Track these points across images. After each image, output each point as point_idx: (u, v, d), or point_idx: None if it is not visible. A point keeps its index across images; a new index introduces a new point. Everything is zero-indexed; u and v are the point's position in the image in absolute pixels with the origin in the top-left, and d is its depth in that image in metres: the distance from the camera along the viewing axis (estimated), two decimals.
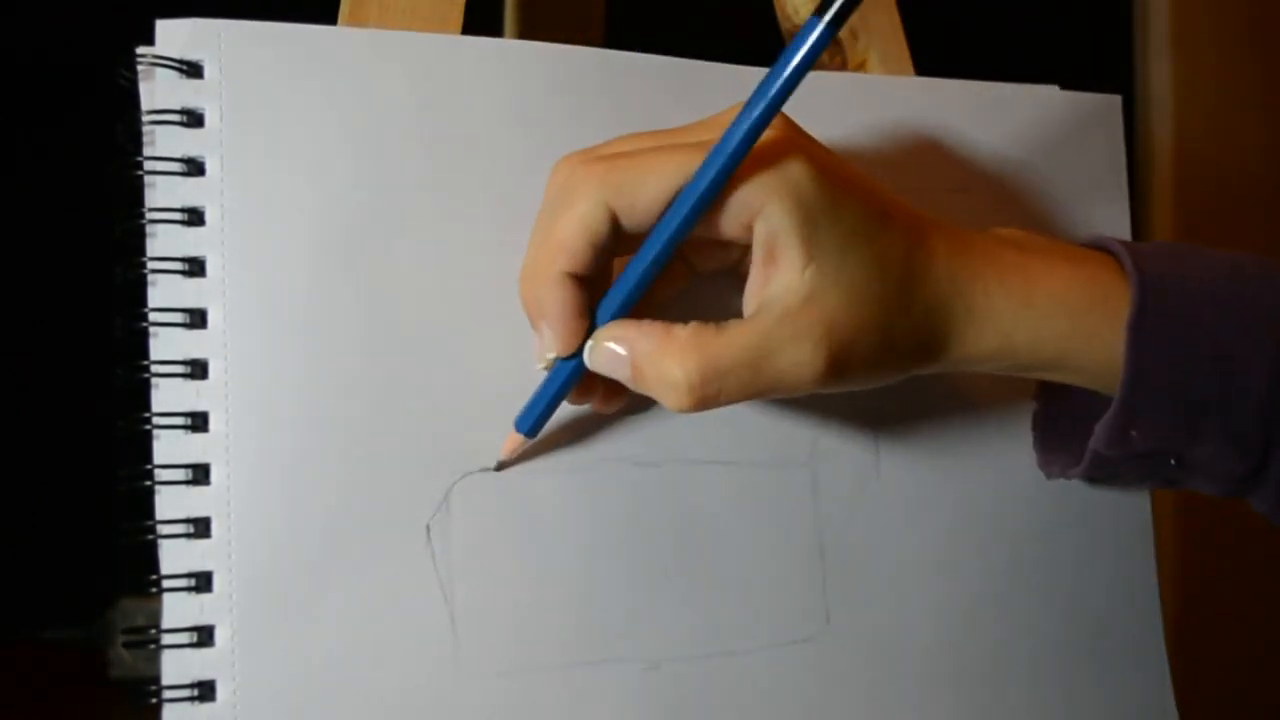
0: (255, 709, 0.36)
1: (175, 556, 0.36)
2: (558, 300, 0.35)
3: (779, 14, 0.49)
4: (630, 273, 0.35)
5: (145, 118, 0.36)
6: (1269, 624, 0.90)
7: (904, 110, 0.46)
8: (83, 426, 0.53)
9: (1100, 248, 0.40)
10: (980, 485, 0.45)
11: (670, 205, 0.34)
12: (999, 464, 0.46)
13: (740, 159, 0.33)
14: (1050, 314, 0.37)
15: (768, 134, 0.34)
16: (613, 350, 0.35)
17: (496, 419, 0.39)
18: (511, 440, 0.38)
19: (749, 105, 0.33)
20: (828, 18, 0.32)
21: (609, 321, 0.36)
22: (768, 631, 0.42)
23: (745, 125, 0.33)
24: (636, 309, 0.36)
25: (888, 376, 0.38)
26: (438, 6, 0.41)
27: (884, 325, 0.36)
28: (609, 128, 0.41)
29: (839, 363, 0.35)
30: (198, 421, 0.36)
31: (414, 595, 0.38)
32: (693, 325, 0.35)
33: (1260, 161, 0.92)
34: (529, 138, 0.40)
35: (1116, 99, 0.49)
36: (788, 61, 0.33)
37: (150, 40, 0.37)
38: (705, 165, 0.34)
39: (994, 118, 0.47)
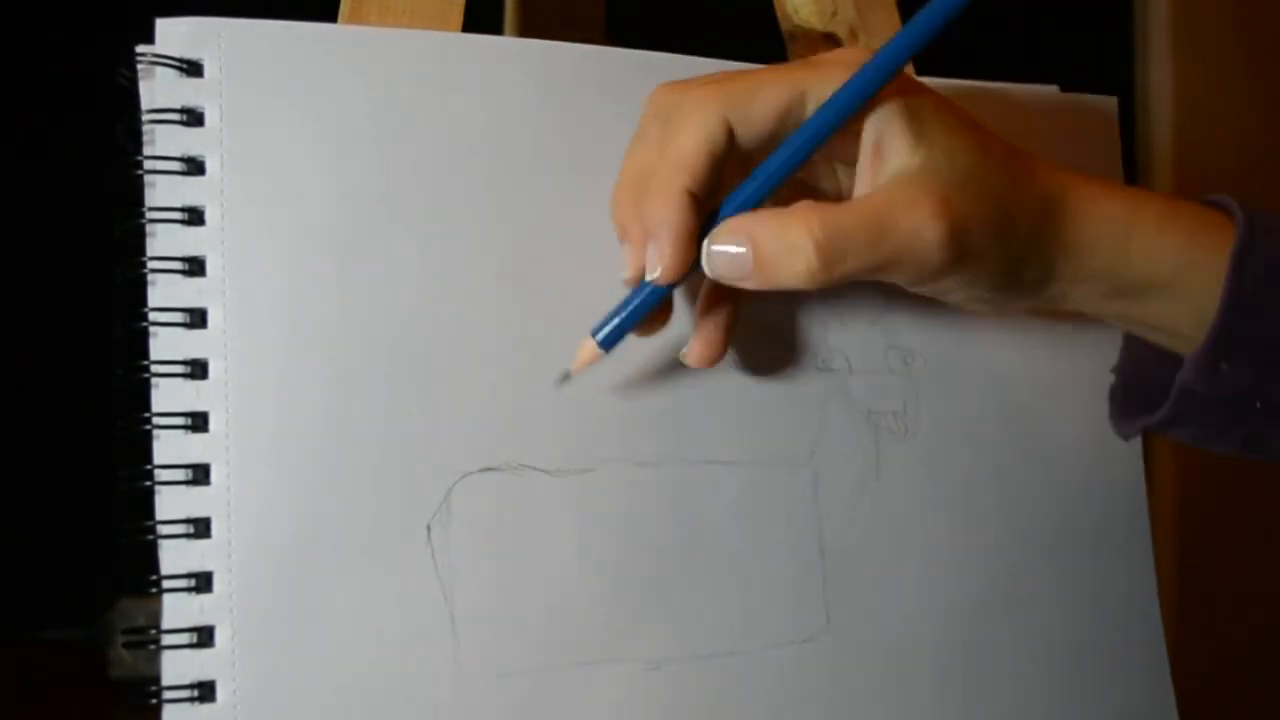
0: (255, 709, 0.36)
1: (175, 556, 0.36)
2: (676, 218, 0.35)
3: (779, 14, 0.49)
4: (757, 176, 0.35)
5: (145, 117, 0.36)
6: (1269, 624, 0.90)
7: None
8: (83, 426, 0.53)
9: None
10: (980, 485, 0.45)
11: (780, 120, 0.35)
12: (999, 464, 0.46)
13: (884, 81, 0.35)
14: (1161, 229, 0.38)
15: None
16: (732, 249, 0.35)
17: (497, 419, 0.39)
18: (586, 351, 0.37)
19: (900, 35, 0.35)
20: None
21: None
22: (768, 631, 0.42)
23: (893, 50, 0.35)
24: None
25: (1011, 263, 0.37)
26: (438, 6, 0.41)
27: (999, 203, 0.36)
28: (610, 125, 0.41)
29: (959, 232, 0.35)
30: (198, 421, 0.36)
31: (414, 595, 0.38)
32: (808, 200, 0.35)
33: (1260, 162, 0.92)
34: (530, 135, 0.40)
35: (1113, 100, 0.49)
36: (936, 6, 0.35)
37: (150, 39, 0.37)
38: (852, 82, 0.35)
39: (992, 117, 0.47)
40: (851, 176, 0.38)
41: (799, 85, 0.35)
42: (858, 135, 0.36)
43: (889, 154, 0.36)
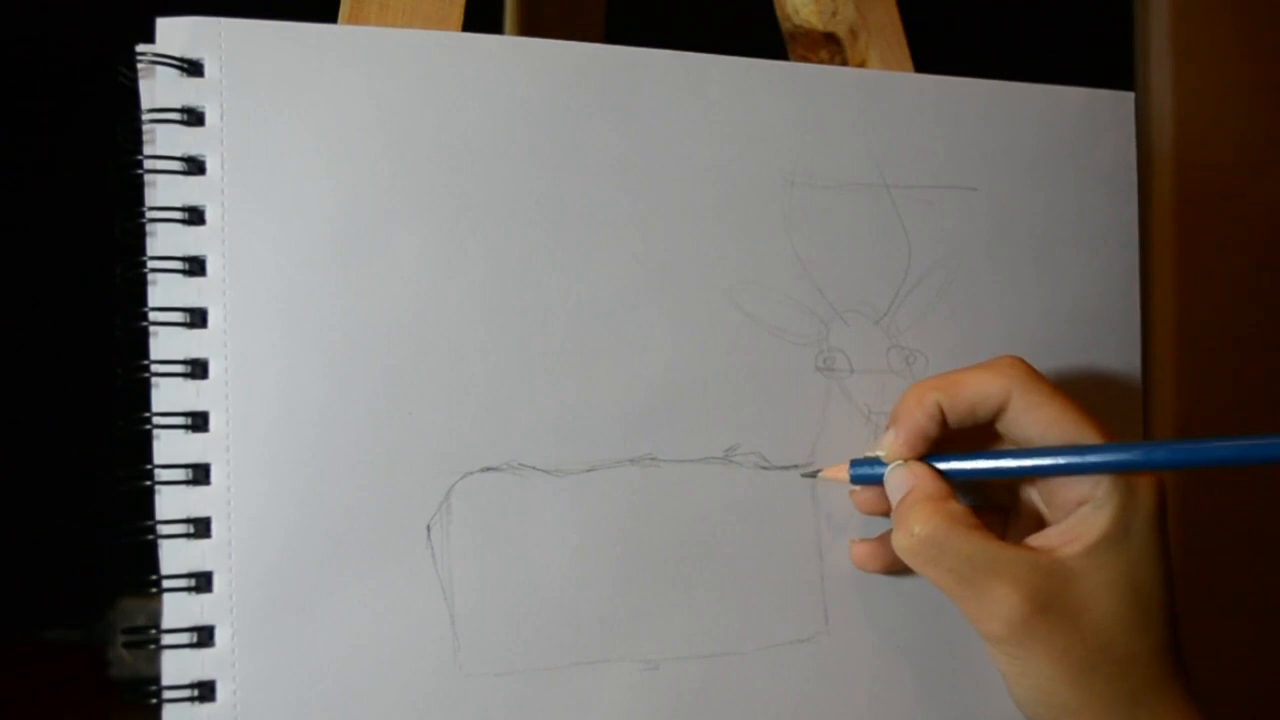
0: (255, 709, 0.36)
1: (175, 556, 0.36)
2: (916, 417, 0.39)
3: (779, 14, 0.49)
4: (978, 458, 0.40)
5: (145, 116, 0.36)
6: (1269, 624, 0.90)
7: (912, 106, 0.46)
8: (83, 426, 0.53)
9: None
10: None
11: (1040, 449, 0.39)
12: None
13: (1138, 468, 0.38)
14: None
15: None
16: (897, 481, 0.40)
17: (496, 419, 0.39)
18: (839, 473, 0.42)
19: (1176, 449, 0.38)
20: None
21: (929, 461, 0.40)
22: (767, 631, 0.42)
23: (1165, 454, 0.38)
24: None
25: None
26: (438, 6, 0.41)
27: (1098, 673, 0.38)
28: (611, 123, 0.41)
29: (1033, 616, 0.37)
30: (198, 421, 0.36)
31: (414, 595, 0.38)
32: (967, 507, 0.39)
33: (1261, 162, 0.92)
34: (530, 134, 0.40)
35: (1129, 96, 0.49)
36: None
37: (150, 38, 0.37)
38: (1096, 455, 0.38)
39: (1003, 115, 0.47)
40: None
41: (1075, 436, 0.39)
42: (1082, 492, 0.39)
43: (1081, 525, 0.38)
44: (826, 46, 0.49)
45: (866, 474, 0.41)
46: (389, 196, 0.38)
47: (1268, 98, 0.92)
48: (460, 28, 0.41)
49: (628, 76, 0.41)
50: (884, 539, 0.42)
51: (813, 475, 0.42)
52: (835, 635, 0.43)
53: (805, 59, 0.49)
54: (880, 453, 0.40)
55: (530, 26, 0.66)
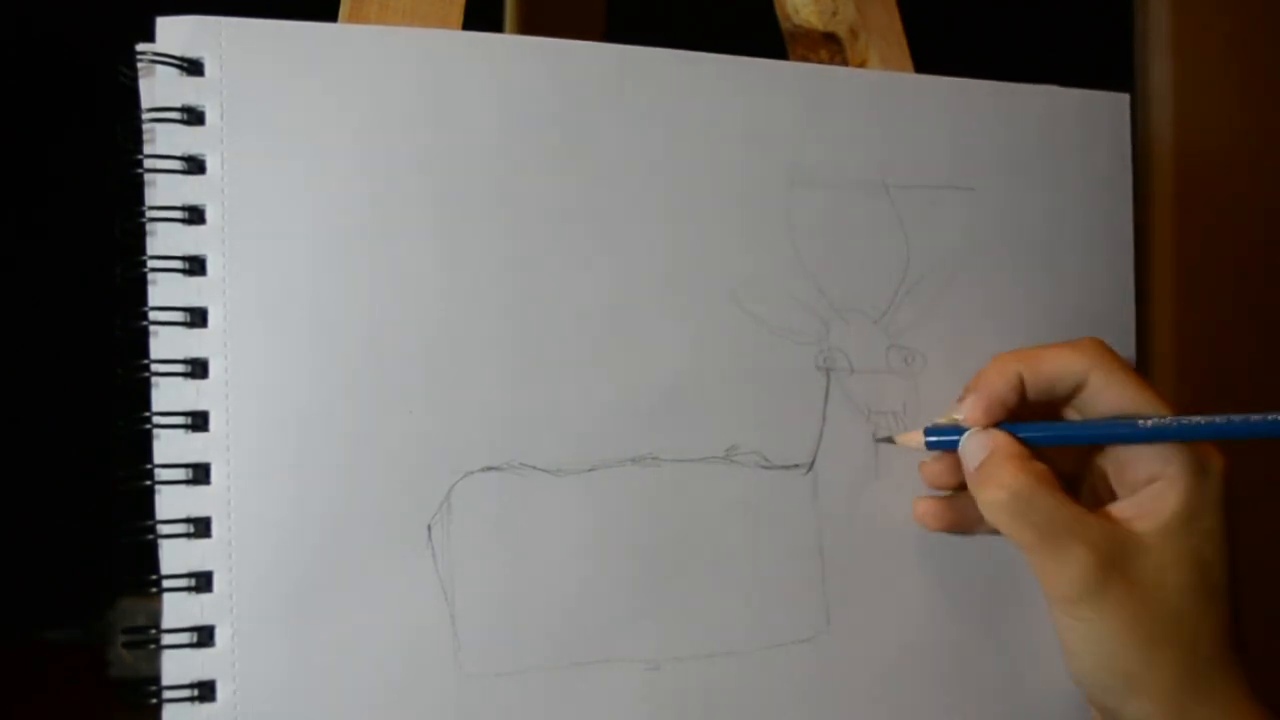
0: (255, 709, 0.36)
1: (175, 556, 0.36)
2: (997, 385, 0.41)
3: (779, 14, 0.49)
4: (1051, 429, 0.41)
5: (145, 115, 0.36)
6: (1269, 624, 0.91)
7: (912, 106, 0.46)
8: (83, 426, 0.53)
9: None
10: None
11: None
12: None
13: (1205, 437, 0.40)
14: None
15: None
16: (984, 441, 0.40)
17: (497, 418, 0.39)
18: (915, 439, 0.42)
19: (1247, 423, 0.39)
20: None
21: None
22: (768, 631, 0.42)
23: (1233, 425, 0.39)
24: None
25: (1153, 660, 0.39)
26: (438, 5, 0.41)
27: (1167, 649, 0.39)
28: (611, 121, 0.41)
29: (1106, 581, 0.38)
30: (198, 421, 0.36)
31: (414, 595, 0.38)
32: (1050, 470, 0.40)
33: (1261, 162, 0.92)
34: (531, 133, 0.40)
35: (1124, 97, 0.49)
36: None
37: (150, 38, 0.37)
38: (1169, 429, 0.39)
39: (1001, 115, 0.47)
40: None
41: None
42: (1153, 472, 0.40)
43: (1153, 501, 0.40)
44: (826, 46, 0.49)
45: (944, 441, 0.41)
46: (389, 195, 0.38)
47: (1267, 97, 0.92)
48: (460, 27, 0.41)
49: (628, 75, 0.41)
50: (948, 499, 0.43)
51: (888, 440, 0.43)
52: (837, 635, 0.43)
53: (805, 59, 0.49)
54: (959, 417, 0.41)
55: (530, 26, 0.66)
